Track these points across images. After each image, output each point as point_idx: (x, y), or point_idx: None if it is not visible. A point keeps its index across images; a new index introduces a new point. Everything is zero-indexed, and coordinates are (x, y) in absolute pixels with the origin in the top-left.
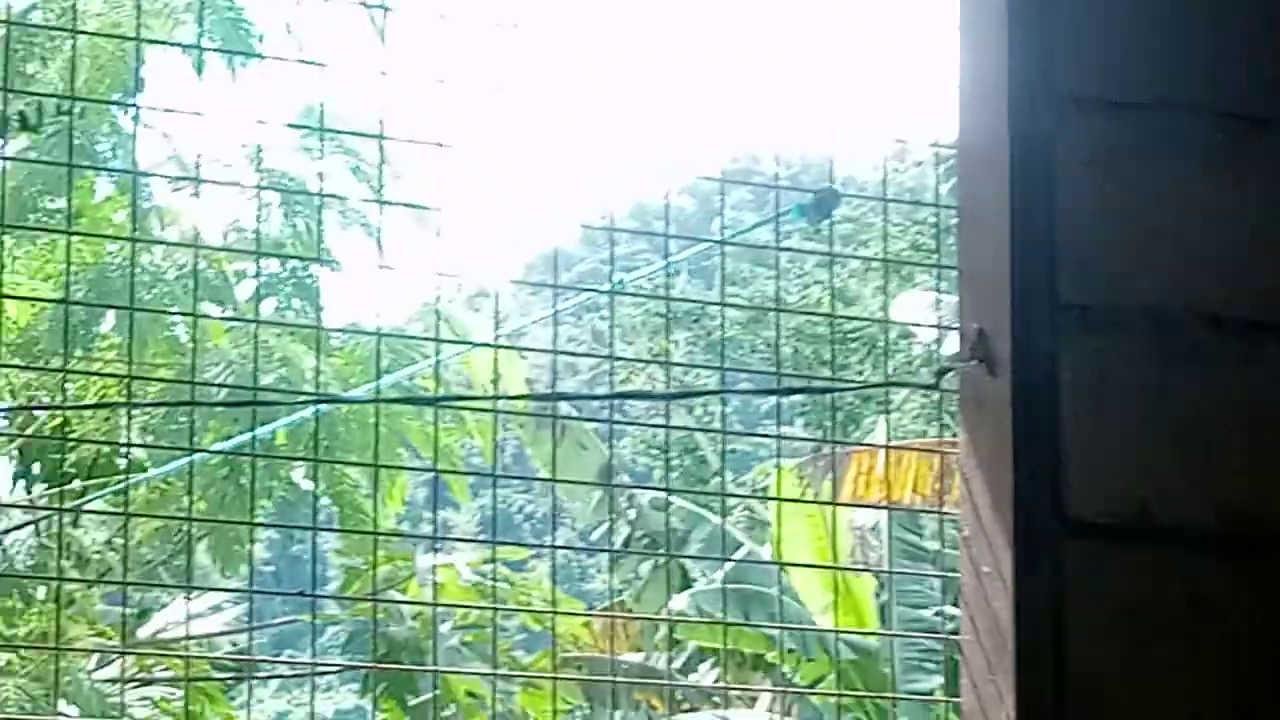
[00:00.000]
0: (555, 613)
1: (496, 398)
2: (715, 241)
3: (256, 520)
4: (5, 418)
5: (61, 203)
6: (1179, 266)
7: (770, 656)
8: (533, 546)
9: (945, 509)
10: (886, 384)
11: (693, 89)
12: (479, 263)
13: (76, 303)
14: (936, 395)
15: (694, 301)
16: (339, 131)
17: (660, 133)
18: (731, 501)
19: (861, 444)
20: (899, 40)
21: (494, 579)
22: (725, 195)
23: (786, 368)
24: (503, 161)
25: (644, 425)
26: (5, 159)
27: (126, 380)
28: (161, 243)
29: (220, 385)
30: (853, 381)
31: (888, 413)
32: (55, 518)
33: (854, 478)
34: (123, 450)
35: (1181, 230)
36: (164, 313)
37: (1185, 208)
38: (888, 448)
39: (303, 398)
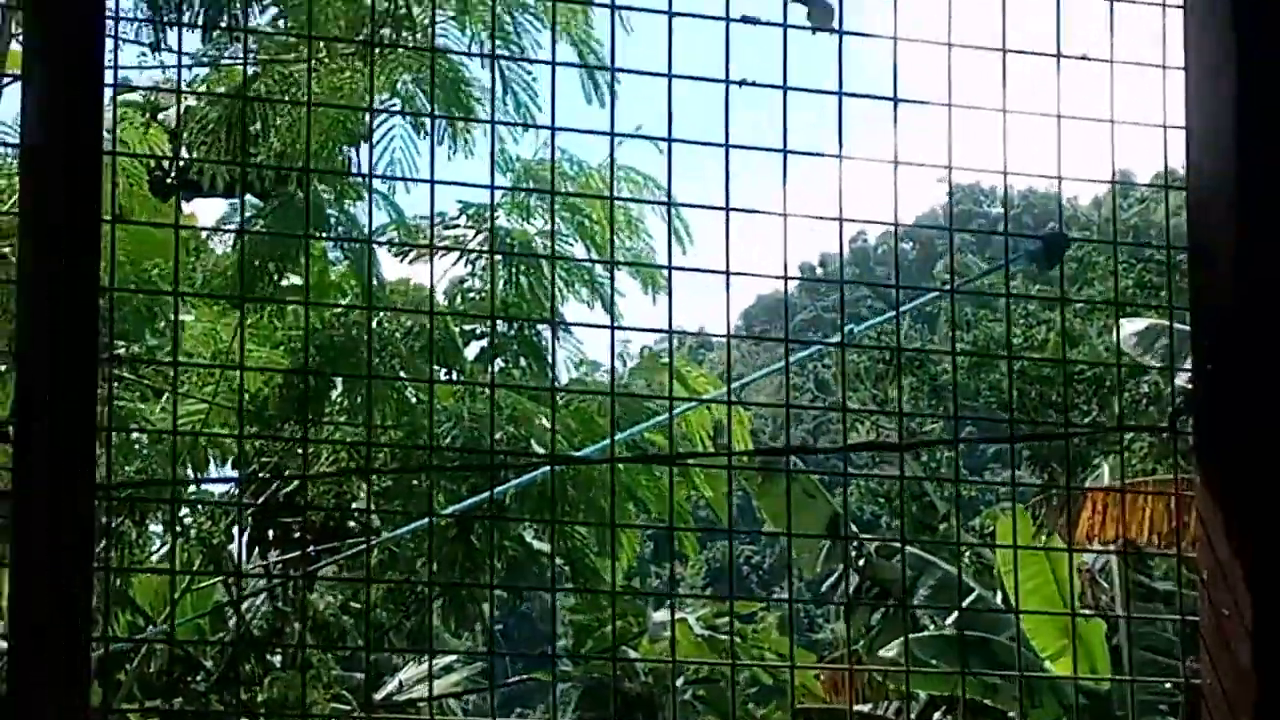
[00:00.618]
0: (789, 666)
1: (730, 454)
2: (944, 291)
3: (489, 582)
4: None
5: (287, 270)
6: None
7: (993, 702)
8: (764, 600)
9: (1181, 550)
10: (1122, 428)
11: (907, 128)
12: (700, 312)
13: (315, 371)
14: (1166, 435)
15: (922, 351)
16: (564, 194)
17: (877, 175)
18: (963, 550)
19: (1092, 487)
20: (1121, 72)
21: (730, 633)
22: (950, 239)
23: (1012, 409)
24: (722, 212)
25: (877, 475)
26: (243, 231)
27: (361, 445)
28: (396, 310)
29: (453, 449)
30: (1084, 426)
31: (1123, 452)
32: (292, 583)
33: (1086, 519)
34: (356, 515)
35: None
36: (397, 379)
37: None
38: (1121, 490)
39: (537, 458)
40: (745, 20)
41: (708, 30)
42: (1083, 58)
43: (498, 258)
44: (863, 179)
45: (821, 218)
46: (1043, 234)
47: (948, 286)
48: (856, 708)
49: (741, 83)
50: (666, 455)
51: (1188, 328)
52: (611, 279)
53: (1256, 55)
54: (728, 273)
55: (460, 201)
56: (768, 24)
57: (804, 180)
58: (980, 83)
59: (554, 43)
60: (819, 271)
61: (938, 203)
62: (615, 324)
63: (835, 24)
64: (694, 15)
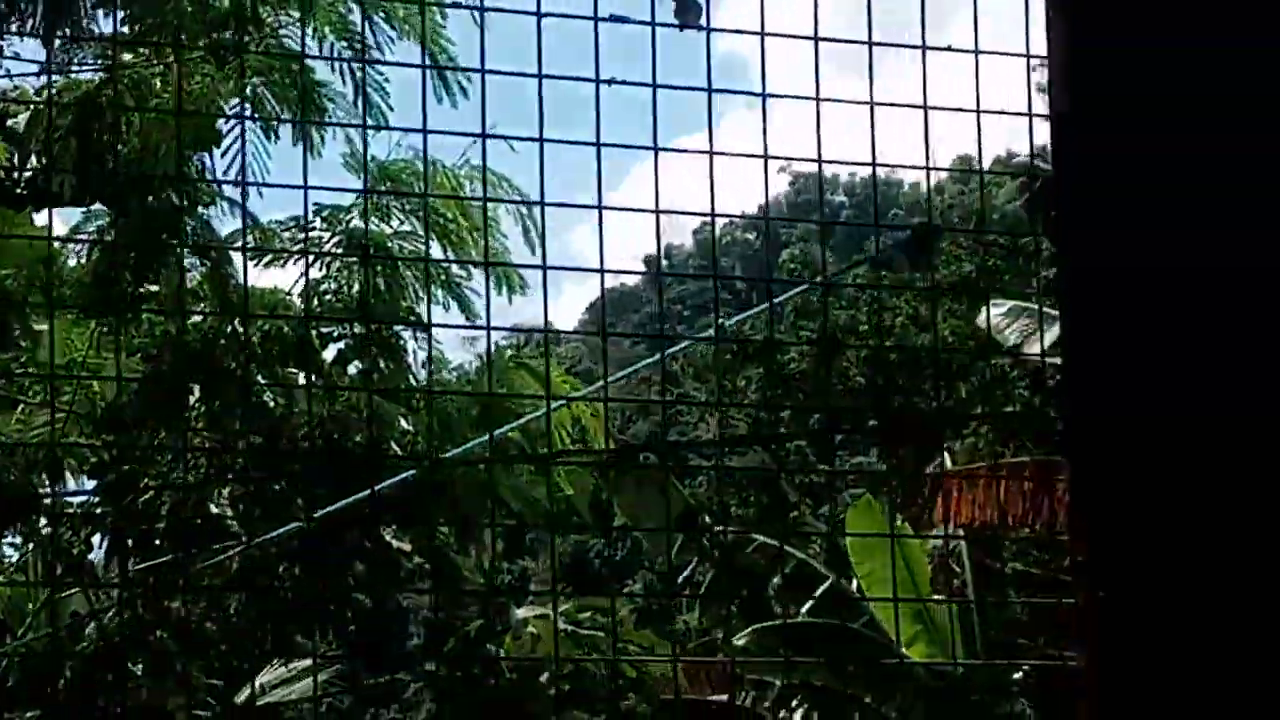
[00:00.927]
0: (615, 659)
1: (600, 452)
2: (816, 284)
3: (348, 584)
4: (96, 495)
5: (144, 279)
6: None
7: (851, 690)
8: (610, 594)
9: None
10: (992, 415)
11: (752, 119)
12: (550, 310)
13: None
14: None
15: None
16: (409, 194)
17: (718, 167)
18: (814, 538)
19: (943, 472)
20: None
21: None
22: (793, 231)
23: (862, 397)
24: (566, 207)
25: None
26: (89, 240)
27: (217, 451)
28: (256, 317)
29: (311, 454)
30: (959, 415)
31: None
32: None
33: (941, 502)
34: (214, 520)
35: None
36: (253, 383)
37: None
38: (960, 474)
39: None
40: (614, 19)
41: (567, 28)
42: (947, 48)
43: (355, 259)
44: (708, 168)
45: (639, 209)
46: (912, 225)
47: (810, 279)
48: (715, 697)
49: (610, 81)
50: (542, 455)
51: (1052, 311)
52: (487, 280)
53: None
54: (601, 270)
55: (316, 204)
56: (637, 22)
57: (649, 174)
58: (838, 72)
59: (424, 51)
60: (664, 264)
61: (780, 192)
62: (490, 325)
63: (703, 21)
64: (564, 15)
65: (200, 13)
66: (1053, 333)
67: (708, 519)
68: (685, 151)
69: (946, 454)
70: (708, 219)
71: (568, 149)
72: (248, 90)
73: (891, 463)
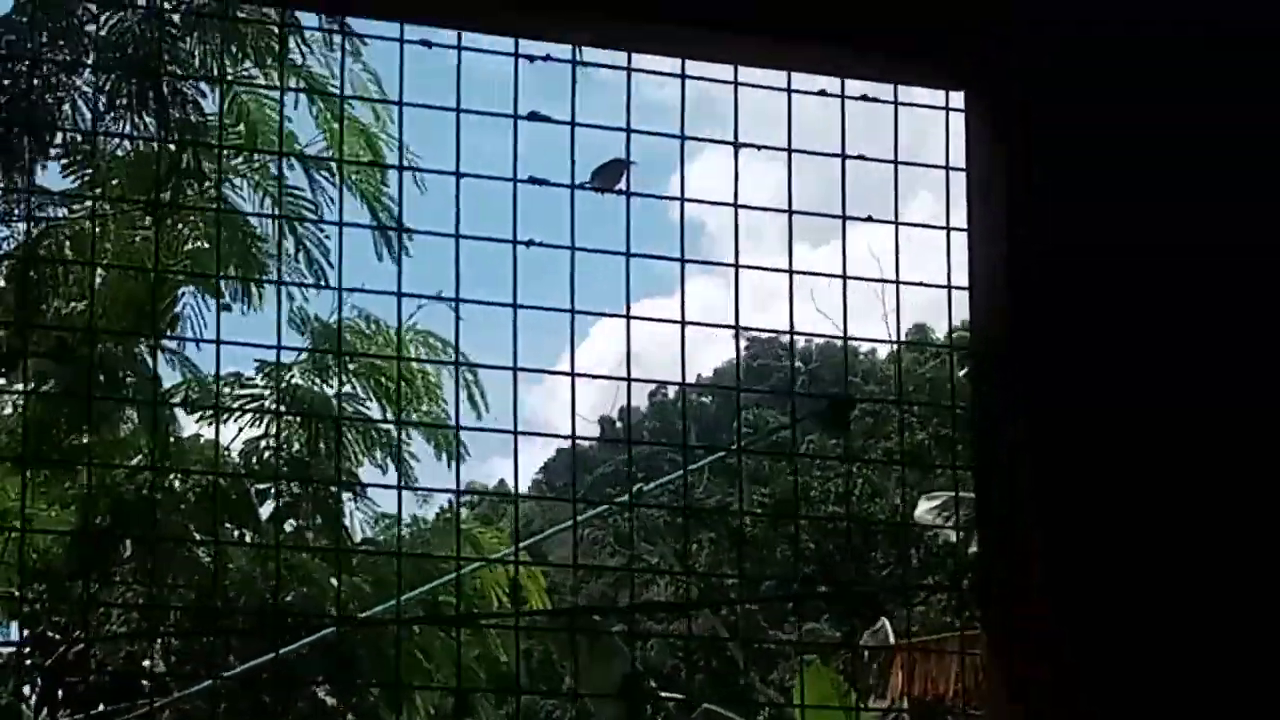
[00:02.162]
0: None
1: (518, 614)
2: (732, 451)
3: None
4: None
5: (82, 433)
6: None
7: None
8: None
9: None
10: (906, 586)
11: (711, 280)
12: (500, 469)
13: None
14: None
15: (715, 513)
16: (357, 354)
17: (674, 332)
18: (763, 701)
19: (879, 646)
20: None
21: None
22: (744, 394)
23: (810, 562)
24: (518, 369)
25: (668, 637)
26: (27, 393)
27: (149, 607)
28: (186, 472)
29: (241, 611)
30: (873, 583)
31: (909, 607)
32: None
33: (895, 671)
34: (145, 673)
35: None
36: (184, 540)
37: None
38: (909, 647)
39: (326, 619)
40: (533, 181)
41: (504, 190)
42: (867, 218)
43: (296, 418)
44: (663, 332)
45: (608, 377)
46: (830, 395)
47: (737, 445)
48: None
49: (529, 243)
50: (453, 617)
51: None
52: (399, 440)
53: (1026, 221)
54: (515, 432)
55: (257, 361)
56: (555, 185)
57: (608, 333)
58: (777, 233)
59: (340, 203)
60: (617, 424)
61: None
62: (405, 484)
63: (621, 185)
64: (480, 176)
65: (139, 167)
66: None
67: (653, 684)
68: (654, 320)
69: (888, 625)
70: (659, 385)
71: (525, 310)
72: (188, 246)
73: (845, 630)
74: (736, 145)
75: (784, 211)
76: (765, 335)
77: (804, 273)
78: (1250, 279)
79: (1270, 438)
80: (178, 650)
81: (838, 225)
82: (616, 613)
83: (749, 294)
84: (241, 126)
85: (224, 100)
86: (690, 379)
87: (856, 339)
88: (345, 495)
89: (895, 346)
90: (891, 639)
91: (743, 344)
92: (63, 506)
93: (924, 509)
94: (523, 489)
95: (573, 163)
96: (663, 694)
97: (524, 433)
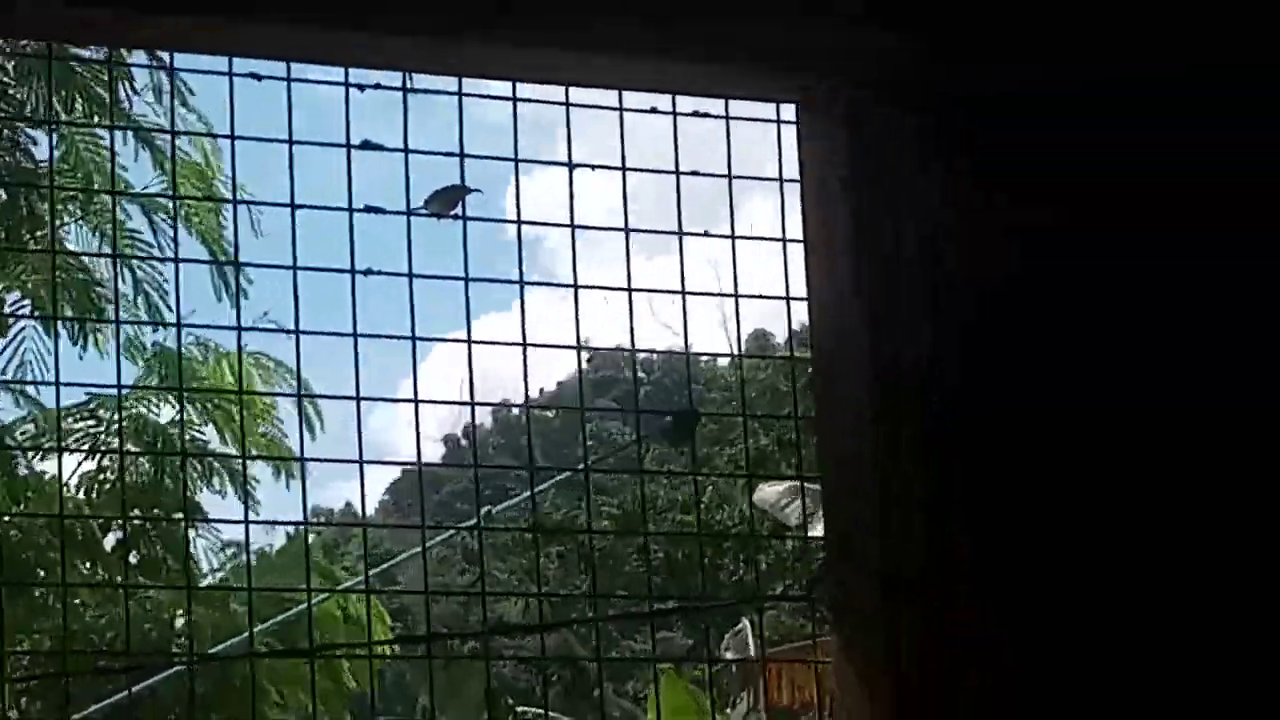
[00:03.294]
0: None
1: (370, 644)
2: (579, 470)
3: None
4: None
5: None
6: None
7: None
8: None
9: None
10: (757, 599)
11: (549, 296)
12: (347, 491)
13: None
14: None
15: (563, 532)
16: (199, 390)
17: (514, 344)
18: (618, 714)
19: (729, 659)
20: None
21: None
22: (589, 407)
23: (660, 572)
24: (361, 399)
25: (521, 659)
26: None
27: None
28: (25, 515)
29: (91, 651)
30: (723, 598)
31: (761, 621)
32: None
33: (758, 680)
34: None
35: None
36: (27, 585)
37: None
38: (762, 661)
39: (176, 657)
40: (369, 210)
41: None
42: (704, 234)
43: (135, 445)
44: (502, 350)
45: (452, 402)
46: (674, 410)
47: (586, 462)
48: None
49: (367, 272)
50: (305, 650)
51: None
52: (244, 472)
53: (870, 230)
54: (360, 461)
55: (88, 393)
56: (392, 213)
57: (450, 350)
58: (616, 241)
59: (176, 240)
60: (463, 442)
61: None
62: (249, 519)
63: (458, 210)
64: (319, 207)
65: None
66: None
67: (509, 700)
68: (496, 344)
69: (748, 626)
70: (503, 400)
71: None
72: (28, 285)
73: (697, 639)
74: (571, 166)
75: (620, 230)
76: (609, 346)
77: (643, 290)
78: (1153, 263)
79: (1204, 433)
80: (32, 690)
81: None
82: (472, 636)
83: (589, 305)
84: (78, 173)
85: (53, 144)
86: (534, 393)
87: (699, 354)
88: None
89: (737, 358)
90: (750, 641)
91: (584, 357)
92: None
93: (765, 494)
94: (369, 511)
95: (408, 188)
96: (519, 708)
97: (370, 461)
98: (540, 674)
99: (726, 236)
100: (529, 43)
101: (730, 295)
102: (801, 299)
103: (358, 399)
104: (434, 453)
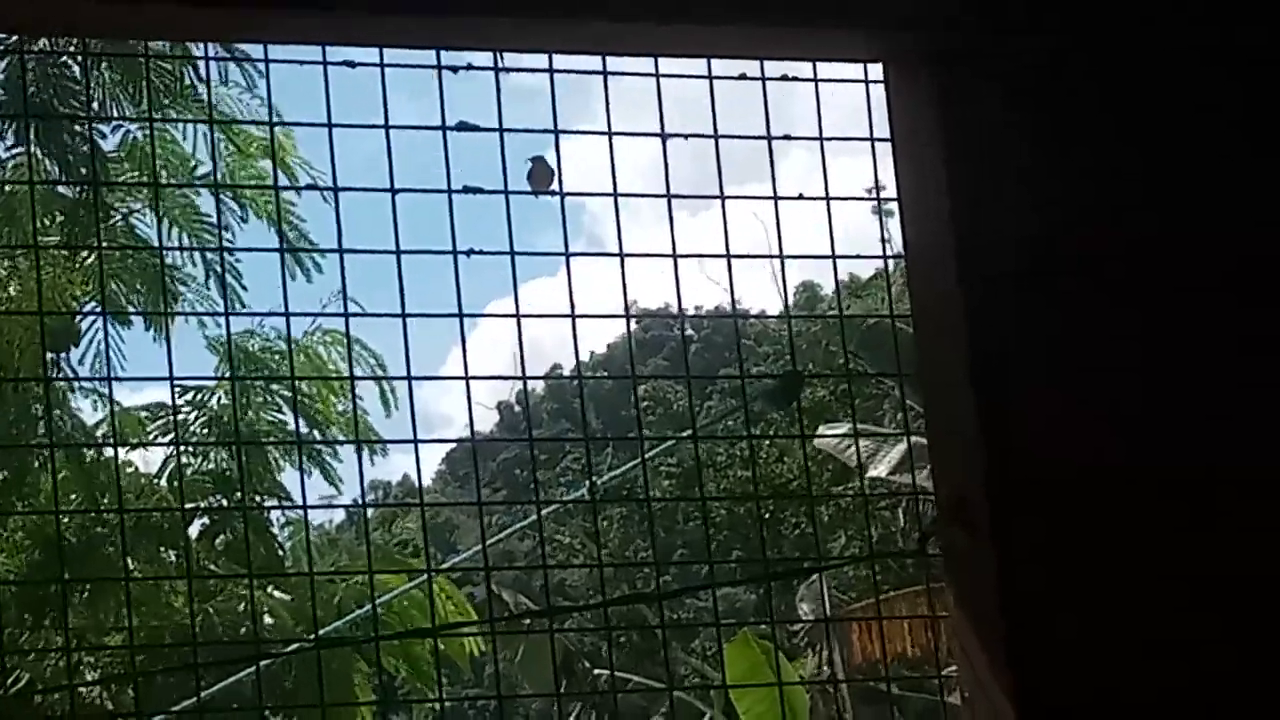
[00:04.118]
0: None
1: (436, 631)
2: (687, 438)
3: None
4: None
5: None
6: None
7: None
8: None
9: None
10: (873, 556)
11: (589, 262)
12: (400, 464)
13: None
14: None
15: (620, 501)
16: (268, 378)
17: (563, 316)
18: (686, 671)
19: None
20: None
21: None
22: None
23: (723, 529)
24: (413, 378)
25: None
26: None
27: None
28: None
29: (166, 645)
30: (837, 558)
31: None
32: None
33: (855, 638)
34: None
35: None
36: (85, 580)
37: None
38: (878, 617)
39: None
40: (468, 190)
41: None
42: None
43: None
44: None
45: (503, 377)
46: (779, 374)
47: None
48: None
49: (470, 252)
50: (369, 637)
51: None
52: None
53: (967, 180)
54: (415, 440)
55: (179, 385)
56: (490, 192)
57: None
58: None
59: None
60: (516, 409)
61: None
62: (309, 504)
63: (555, 185)
64: (415, 190)
65: (47, 203)
66: (895, 453)
67: (586, 664)
68: (544, 316)
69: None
70: (554, 365)
71: (421, 296)
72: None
73: (761, 594)
74: (610, 134)
75: (662, 196)
76: (655, 306)
77: (688, 255)
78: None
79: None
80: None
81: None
82: (533, 615)
83: (636, 266)
84: (143, 162)
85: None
86: (584, 356)
87: (745, 315)
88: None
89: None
90: (825, 594)
91: (633, 320)
92: (7, 555)
93: (825, 440)
94: (426, 479)
95: (448, 167)
96: (594, 671)
97: (425, 440)
98: (608, 636)
99: (768, 198)
100: (626, 17)
101: (775, 256)
102: (847, 257)
103: (409, 379)
104: (488, 420)
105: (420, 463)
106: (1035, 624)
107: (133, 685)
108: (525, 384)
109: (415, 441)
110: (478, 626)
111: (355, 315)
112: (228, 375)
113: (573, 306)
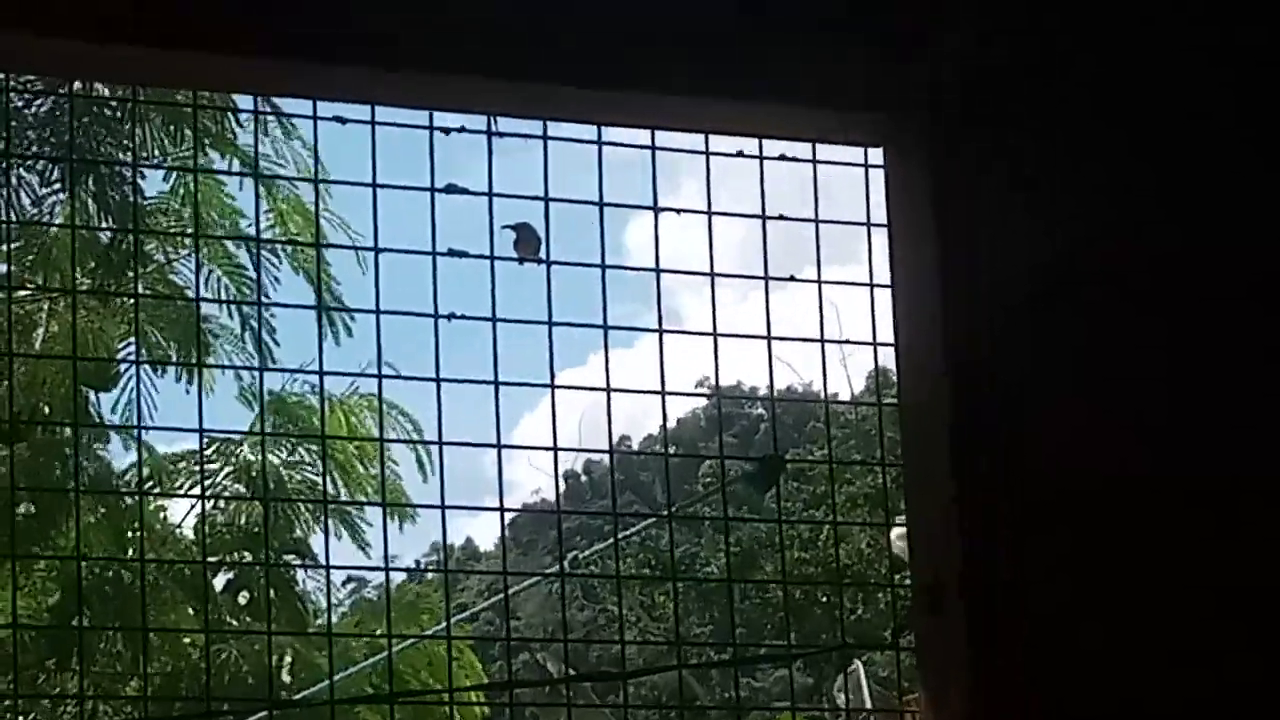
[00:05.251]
0: None
1: (451, 690)
2: (660, 517)
3: None
4: None
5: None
6: None
7: None
8: None
9: None
10: (843, 646)
11: (649, 337)
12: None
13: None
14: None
15: (640, 579)
16: (304, 437)
17: (632, 380)
18: None
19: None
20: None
21: None
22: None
23: (779, 609)
24: (444, 443)
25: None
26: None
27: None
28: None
29: (176, 699)
30: (812, 646)
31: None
32: None
33: None
34: None
35: None
36: (104, 629)
37: None
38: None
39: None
40: (453, 254)
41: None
42: (790, 278)
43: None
44: (621, 380)
45: (535, 447)
46: (759, 456)
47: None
48: None
49: (450, 316)
50: (386, 695)
51: None
52: (324, 516)
53: (958, 268)
54: (442, 506)
55: (209, 436)
56: (476, 256)
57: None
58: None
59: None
60: (583, 479)
61: (699, 405)
62: (331, 564)
63: (542, 254)
64: (401, 251)
65: (86, 249)
66: None
67: None
68: (628, 391)
69: (861, 668)
70: (622, 437)
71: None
72: (134, 327)
73: (817, 677)
74: (656, 210)
75: (706, 275)
76: (728, 384)
77: (730, 336)
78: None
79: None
80: None
81: (789, 269)
82: (551, 684)
83: (708, 342)
84: (186, 209)
85: (197, 189)
86: (654, 429)
87: (800, 399)
88: (298, 569)
89: (825, 409)
90: (864, 683)
91: (707, 396)
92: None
93: (896, 537)
94: (488, 546)
95: (548, 236)
96: None
97: (451, 506)
98: (659, 711)
99: (811, 281)
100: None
101: (816, 340)
102: (882, 344)
103: (440, 443)
104: (552, 489)
105: (446, 531)
106: (1058, 635)
107: None
108: (612, 458)
109: (443, 507)
110: (488, 695)
111: (390, 377)
112: (258, 430)
113: (663, 383)
